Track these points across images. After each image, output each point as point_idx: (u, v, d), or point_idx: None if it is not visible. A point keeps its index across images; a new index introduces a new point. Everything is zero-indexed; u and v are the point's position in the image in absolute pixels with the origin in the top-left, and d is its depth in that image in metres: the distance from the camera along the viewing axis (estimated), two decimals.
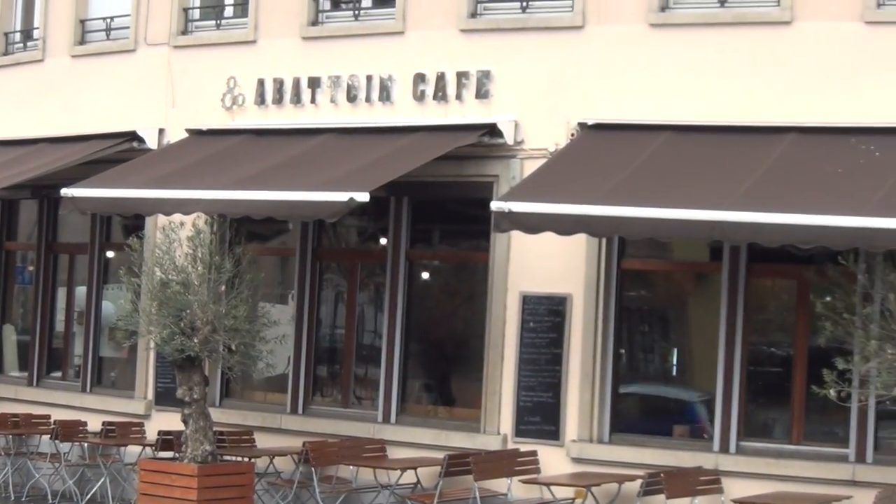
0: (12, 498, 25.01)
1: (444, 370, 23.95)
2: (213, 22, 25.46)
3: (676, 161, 19.90)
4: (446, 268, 24.48)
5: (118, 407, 25.52)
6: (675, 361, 22.08)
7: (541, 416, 21.30)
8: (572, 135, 21.10)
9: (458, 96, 22.19)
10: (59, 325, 28.37)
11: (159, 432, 23.52)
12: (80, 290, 27.85)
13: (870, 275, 17.94)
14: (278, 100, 23.91)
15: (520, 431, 21.43)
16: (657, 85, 20.92)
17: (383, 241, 23.67)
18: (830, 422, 19.98)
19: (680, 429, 21.15)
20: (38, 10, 28.70)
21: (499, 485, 20.86)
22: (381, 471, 21.77)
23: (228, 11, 25.64)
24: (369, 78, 22.98)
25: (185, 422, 21.45)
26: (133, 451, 23.92)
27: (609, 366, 21.28)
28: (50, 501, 24.46)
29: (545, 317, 21.51)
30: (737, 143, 20.00)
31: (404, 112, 22.62)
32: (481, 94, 22.02)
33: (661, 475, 19.30)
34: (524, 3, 22.11)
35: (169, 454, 22.50)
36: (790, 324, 20.74)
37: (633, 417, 21.73)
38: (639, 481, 19.51)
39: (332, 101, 23.37)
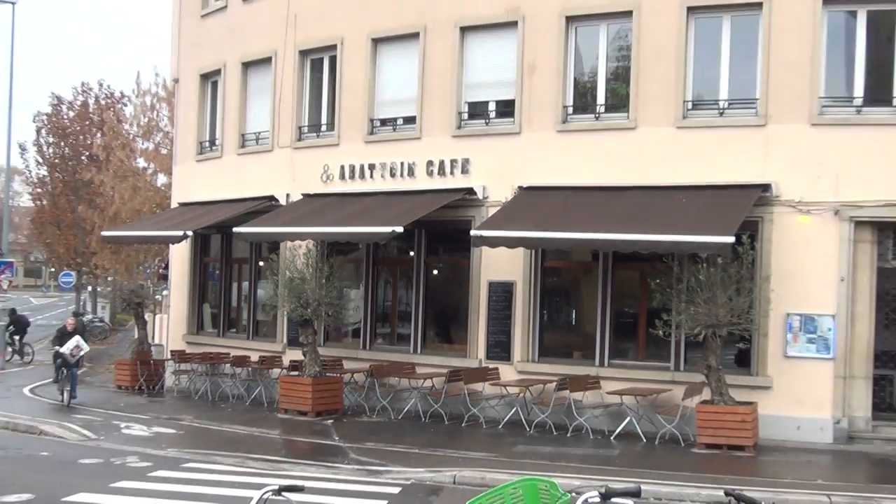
0: (210, 399, 24.79)
1: (446, 324, 23.62)
2: (315, 134, 25.13)
3: (571, 206, 20.19)
4: (446, 268, 23.90)
5: (267, 348, 25.36)
6: (573, 317, 21.98)
7: (500, 349, 21.59)
8: (514, 193, 21.31)
9: (451, 173, 22.27)
10: (234, 303, 28.22)
11: (290, 361, 23.70)
12: (245, 284, 27.88)
13: (680, 266, 18.66)
14: (351, 177, 23.71)
15: (489, 357, 21.73)
16: (561, 165, 21.08)
17: (411, 253, 23.43)
18: (660, 349, 20.26)
19: (577, 353, 21.39)
20: (219, 125, 28.06)
21: (477, 387, 21.24)
22: (413, 380, 22.02)
23: (325, 127, 24.96)
24: (402, 164, 22.92)
25: (304, 355, 22.05)
26: (276, 372, 23.94)
27: (536, 320, 21.51)
28: (231, 401, 24.26)
29: (501, 294, 21.75)
30: (605, 196, 20.23)
31: (421, 182, 22.58)
32: (464, 171, 22.12)
33: (567, 379, 19.86)
34: (486, 120, 22.28)
35: (296, 373, 22.46)
36: (637, 295, 21.08)
37: (550, 348, 21.62)
38: (554, 383, 19.92)
39: (381, 177, 23.23)
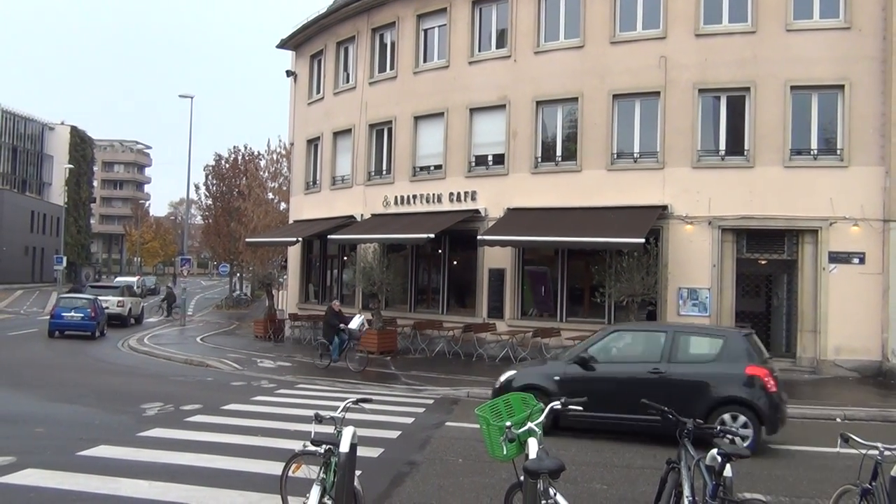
0: (313, 344, 24.03)
1: (462, 295, 22.75)
2: (379, 176, 24.82)
3: (541, 220, 19.89)
4: (462, 260, 22.77)
5: (349, 311, 23.18)
6: (542, 291, 21.51)
7: (496, 310, 21.30)
8: (504, 212, 21.05)
9: (465, 200, 21.99)
10: (328, 282, 27.65)
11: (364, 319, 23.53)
12: (335, 271, 27.37)
13: (611, 257, 18.51)
14: (401, 203, 23.45)
15: (489, 316, 21.41)
16: (534, 194, 20.83)
17: (439, 251, 22.96)
18: (598, 310, 19.98)
19: (545, 313, 21.04)
20: (318, 171, 28.00)
21: (482, 335, 20.96)
22: (441, 331, 21.82)
23: (385, 172, 24.73)
24: (433, 194, 22.65)
25: (372, 315, 21.84)
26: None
27: (518, 292, 21.30)
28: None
29: (497, 276, 21.53)
30: (562, 213, 19.91)
31: (445, 206, 22.25)
32: (473, 199, 21.86)
33: (539, 330, 19.76)
34: (487, 166, 22.00)
35: (368, 326, 21.22)
36: (583, 276, 20.64)
37: (528, 309, 21.25)
38: (531, 332, 19.85)
39: (420, 203, 22.94)
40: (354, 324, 18.79)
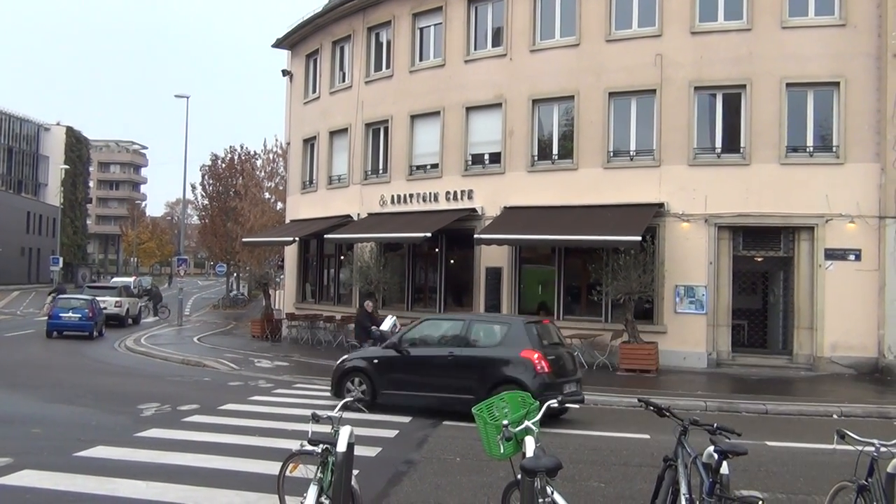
0: (310, 343, 24.44)
1: (459, 294, 22.75)
2: (375, 175, 24.84)
3: (537, 218, 19.89)
4: (459, 259, 22.74)
5: (346, 310, 24.45)
6: (539, 289, 21.54)
7: (493, 309, 21.19)
8: (501, 211, 21.05)
9: (461, 198, 22.00)
10: (325, 282, 27.79)
11: None
12: (331, 270, 27.47)
13: (607, 255, 18.49)
14: (398, 202, 23.46)
15: (486, 313, 21.37)
16: (530, 192, 20.83)
17: (436, 249, 22.89)
18: (595, 308, 19.96)
19: (541, 311, 20.65)
20: (315, 171, 28.02)
21: None
22: None
23: (381, 171, 24.78)
24: (430, 193, 22.70)
25: None
26: (352, 325, 22.68)
27: (515, 291, 21.28)
28: (323, 344, 23.80)
29: (494, 275, 21.51)
30: (558, 212, 19.91)
31: (442, 205, 22.29)
32: (469, 197, 21.86)
33: None
34: (483, 165, 22.03)
35: None
36: (580, 274, 20.65)
37: (525, 308, 20.93)
38: None
39: (417, 202, 22.96)
40: (387, 325, 17.38)
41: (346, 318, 24.26)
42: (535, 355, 11.31)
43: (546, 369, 11.22)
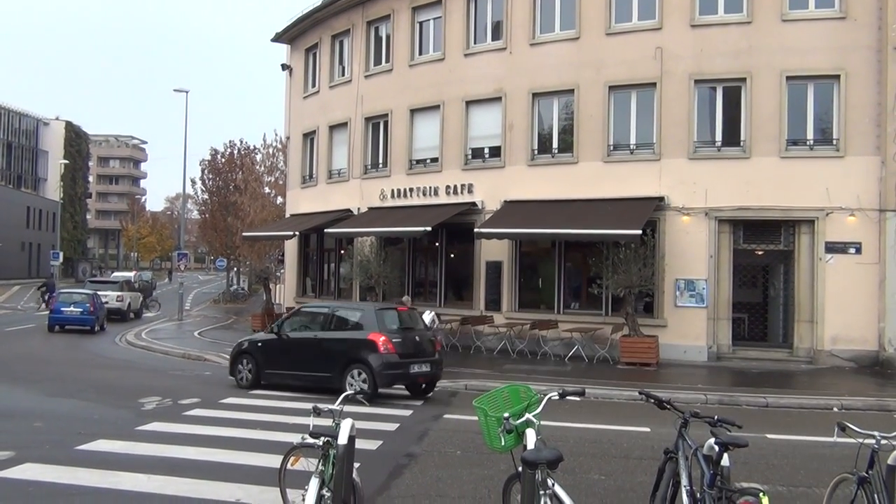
0: None
1: (459, 288, 22.82)
2: (375, 169, 24.82)
3: (537, 212, 19.91)
4: (459, 253, 22.77)
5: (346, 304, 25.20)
6: (539, 283, 21.47)
7: (494, 303, 21.32)
8: (501, 205, 21.03)
9: (461, 192, 22.00)
10: (325, 276, 27.81)
11: None
12: (332, 265, 27.53)
13: (607, 249, 18.48)
14: (398, 196, 23.48)
15: (487, 308, 21.46)
16: (530, 186, 20.81)
17: (437, 243, 23.01)
18: (595, 302, 19.98)
19: (543, 305, 20.96)
20: (315, 165, 28.01)
21: (479, 327, 20.97)
22: (439, 324, 21.30)
23: (381, 165, 24.75)
24: (430, 187, 22.74)
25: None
26: None
27: (516, 285, 21.28)
28: None
29: (494, 269, 21.51)
30: (559, 205, 19.92)
31: (442, 199, 22.31)
32: (469, 191, 21.85)
33: (536, 322, 19.75)
34: (483, 159, 22.01)
35: None
36: (580, 268, 20.72)
37: (526, 302, 21.09)
38: (528, 324, 19.83)
39: (417, 196, 22.98)
40: (426, 320, 16.76)
41: None
42: (381, 338, 12.78)
43: (390, 350, 12.76)
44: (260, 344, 14.44)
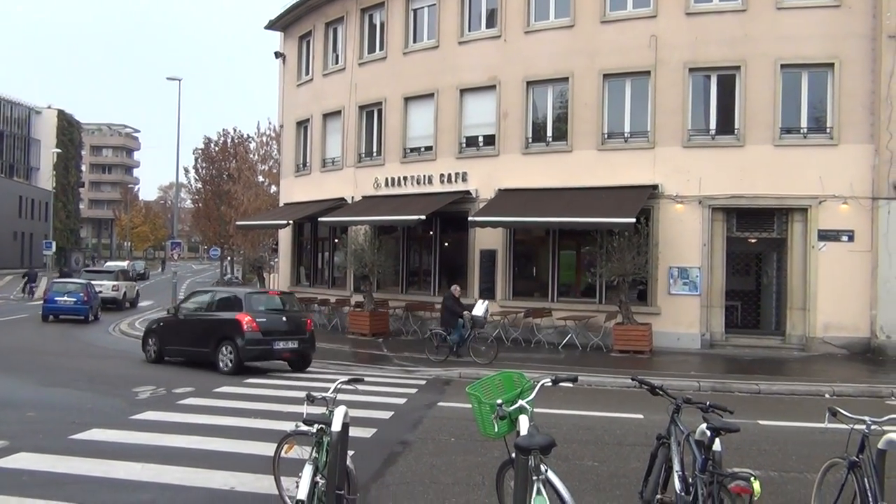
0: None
1: (453, 277, 22.10)
2: (369, 158, 24.70)
3: (531, 201, 19.88)
4: (453, 241, 22.72)
5: (340, 293, 25.04)
6: (534, 271, 21.65)
7: (488, 291, 21.27)
8: (495, 193, 21.04)
9: (455, 181, 21.98)
10: (319, 265, 27.69)
11: (355, 301, 23.44)
12: (326, 253, 27.44)
13: (601, 237, 18.46)
14: (392, 185, 23.46)
15: (481, 296, 21.00)
16: (524, 175, 20.79)
17: (430, 232, 23.03)
18: (589, 290, 20.09)
19: (537, 293, 20.99)
20: (308, 153, 27.91)
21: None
22: (433, 312, 21.40)
23: (375, 153, 24.65)
24: (424, 176, 22.69)
25: (364, 297, 21.93)
26: (346, 308, 23.55)
27: (510, 273, 21.28)
28: (318, 327, 23.71)
29: (488, 257, 21.52)
30: (553, 194, 19.91)
31: (436, 187, 22.29)
32: (464, 180, 21.83)
33: (530, 310, 19.78)
34: (477, 147, 21.98)
35: (359, 309, 22.05)
36: (574, 256, 20.80)
37: (520, 290, 21.12)
38: (523, 312, 19.90)
39: (411, 185, 22.96)
40: (479, 310, 16.79)
41: (340, 300, 24.38)
42: (246, 318, 14.69)
43: (254, 328, 14.65)
44: (161, 324, 16.85)
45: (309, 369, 15.76)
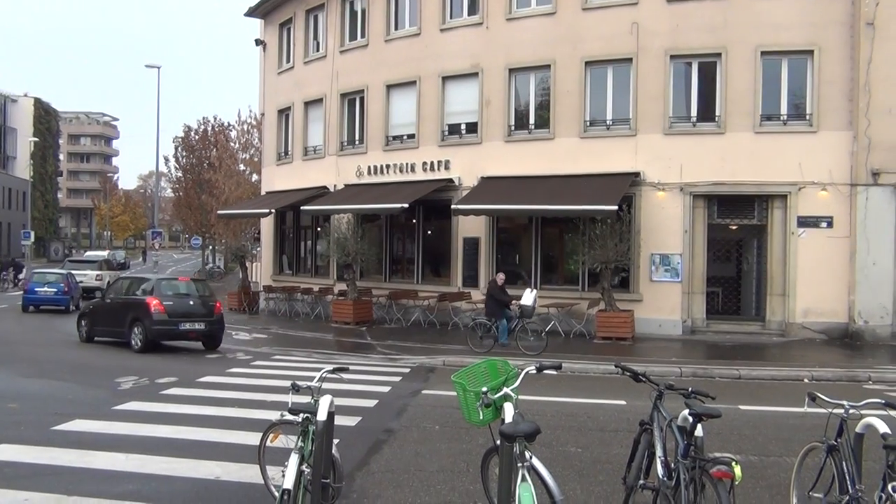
0: (288, 315, 24.59)
1: (436, 265, 22.93)
2: (352, 146, 24.70)
3: (514, 188, 19.92)
4: (436, 229, 22.93)
5: (323, 282, 25.13)
6: (517, 259, 21.67)
7: (471, 279, 21.39)
8: (478, 181, 21.03)
9: (438, 169, 21.98)
10: (302, 254, 27.79)
11: (338, 290, 23.45)
12: (308, 242, 27.49)
13: (584, 225, 18.52)
14: (374, 173, 23.42)
15: (464, 285, 21.56)
16: (507, 162, 20.82)
17: (414, 220, 23.11)
18: (572, 277, 20.18)
19: (520, 281, 20.70)
20: (290, 142, 27.70)
21: (457, 304, 21.12)
22: (416, 301, 21.81)
23: (357, 141, 24.64)
24: (407, 164, 22.68)
25: (347, 285, 21.88)
26: (329, 297, 23.59)
27: (493, 261, 21.29)
28: (301, 316, 23.85)
29: (471, 245, 21.57)
30: (535, 181, 19.95)
31: (419, 175, 22.27)
32: (446, 168, 21.84)
33: (514, 297, 19.74)
34: (460, 135, 21.97)
35: (342, 297, 22.02)
36: (557, 244, 20.85)
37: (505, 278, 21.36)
38: None
39: (394, 172, 22.93)
40: (528, 299, 15.99)
41: (323, 289, 24.34)
42: (154, 301, 16.15)
43: (160, 311, 16.07)
44: (91, 307, 18.71)
45: (294, 359, 15.75)
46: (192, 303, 16.82)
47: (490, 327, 16.50)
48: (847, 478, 4.74)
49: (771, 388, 12.52)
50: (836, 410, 5.01)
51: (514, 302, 16.54)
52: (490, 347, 16.05)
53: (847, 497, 4.68)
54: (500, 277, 17.45)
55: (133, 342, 16.35)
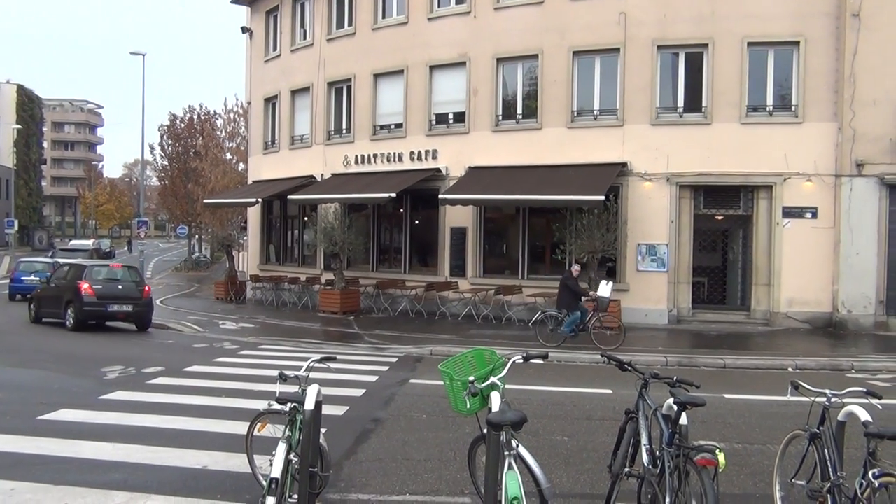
0: (275, 305, 24.54)
1: (424, 254, 22.86)
2: (339, 135, 24.55)
3: (501, 178, 19.93)
4: (423, 219, 22.85)
5: (310, 271, 24.99)
6: (504, 248, 21.76)
7: (459, 269, 21.41)
8: (466, 171, 21.03)
9: (426, 158, 21.93)
10: (289, 243, 27.72)
11: (325, 279, 23.31)
12: (296, 232, 27.39)
13: (571, 215, 18.61)
14: (362, 162, 23.34)
15: (452, 274, 21.56)
16: (495, 152, 20.80)
17: (401, 210, 23.02)
18: (559, 267, 20.00)
19: (507, 271, 21.11)
20: (277, 131, 27.61)
21: (445, 293, 21.12)
22: (403, 290, 21.77)
23: (344, 130, 24.47)
24: (394, 153, 22.61)
25: (334, 275, 21.79)
26: (316, 286, 23.42)
27: (480, 252, 21.36)
28: (288, 306, 23.80)
29: (459, 235, 21.57)
30: (522, 171, 19.93)
31: (406, 165, 22.23)
32: (434, 157, 21.80)
33: (501, 287, 19.87)
34: (447, 124, 21.92)
35: (329, 287, 21.89)
36: (544, 234, 20.76)
37: (490, 268, 21.26)
38: (493, 290, 19.94)
39: (381, 162, 22.86)
40: (605, 291, 15.27)
41: (310, 278, 24.30)
42: (85, 285, 17.73)
43: (90, 294, 17.67)
44: (39, 291, 20.49)
45: (281, 348, 15.74)
46: (121, 287, 18.45)
47: (561, 320, 15.64)
48: (829, 465, 4.79)
49: (755, 377, 12.63)
50: (818, 399, 5.05)
51: (591, 293, 15.91)
52: (561, 341, 15.32)
53: (829, 484, 4.74)
54: (576, 269, 16.40)
55: (67, 322, 18.14)
